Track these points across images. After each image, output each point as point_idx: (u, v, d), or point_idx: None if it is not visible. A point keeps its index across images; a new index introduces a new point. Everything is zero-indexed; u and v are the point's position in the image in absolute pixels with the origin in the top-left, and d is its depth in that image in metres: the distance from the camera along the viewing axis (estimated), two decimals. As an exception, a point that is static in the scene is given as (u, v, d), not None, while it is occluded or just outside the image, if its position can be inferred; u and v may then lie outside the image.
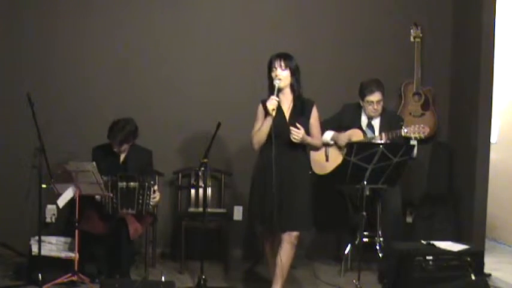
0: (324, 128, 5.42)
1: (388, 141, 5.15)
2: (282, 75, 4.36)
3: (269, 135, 4.35)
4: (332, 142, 5.37)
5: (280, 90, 4.37)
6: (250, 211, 4.56)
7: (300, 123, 4.36)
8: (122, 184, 4.83)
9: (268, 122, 4.33)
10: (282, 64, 4.36)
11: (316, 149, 4.93)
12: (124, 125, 4.95)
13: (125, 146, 5.01)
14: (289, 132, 4.34)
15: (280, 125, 4.36)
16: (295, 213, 4.38)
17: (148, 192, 4.88)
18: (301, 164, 4.53)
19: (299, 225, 4.44)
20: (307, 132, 4.43)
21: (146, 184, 4.88)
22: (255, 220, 4.53)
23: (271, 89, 4.40)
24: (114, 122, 4.98)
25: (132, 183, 4.84)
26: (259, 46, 5.64)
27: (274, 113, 4.31)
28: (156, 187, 4.99)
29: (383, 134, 5.23)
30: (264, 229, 4.53)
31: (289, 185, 4.37)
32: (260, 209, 4.41)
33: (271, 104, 4.31)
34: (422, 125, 5.11)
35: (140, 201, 4.87)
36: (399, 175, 4.71)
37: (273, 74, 4.38)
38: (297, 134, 4.34)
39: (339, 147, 5.33)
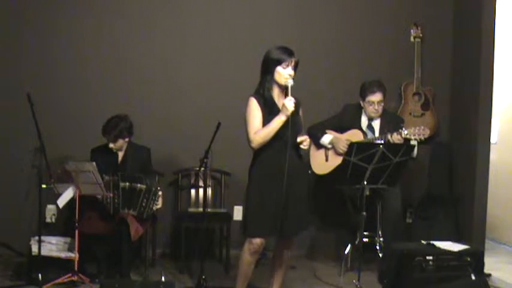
0: (324, 128, 5.45)
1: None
2: (293, 74, 4.15)
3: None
4: (330, 146, 5.36)
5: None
6: (253, 216, 4.21)
7: (297, 122, 4.24)
8: (124, 184, 4.84)
9: (280, 122, 4.09)
10: (294, 62, 4.16)
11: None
12: (118, 121, 4.98)
13: (120, 142, 5.02)
14: (291, 131, 4.11)
15: (282, 125, 4.13)
16: (298, 218, 4.25)
17: (153, 197, 4.90)
18: (302, 164, 4.43)
19: (300, 229, 4.39)
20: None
21: (153, 189, 4.90)
22: (259, 225, 4.20)
23: (268, 84, 4.18)
24: (108, 118, 5.00)
25: (139, 185, 4.85)
26: (259, 46, 5.59)
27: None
28: (160, 193, 4.99)
29: (388, 136, 5.18)
30: (268, 234, 4.26)
31: (293, 189, 4.17)
32: (265, 214, 4.17)
33: (291, 105, 4.06)
34: (422, 127, 5.09)
35: (144, 204, 4.88)
36: (399, 175, 4.71)
37: (286, 72, 4.13)
38: (308, 142, 4.20)
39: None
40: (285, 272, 4.51)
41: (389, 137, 5.13)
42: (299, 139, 4.19)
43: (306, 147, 4.24)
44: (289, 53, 4.17)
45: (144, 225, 5.00)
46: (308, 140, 4.23)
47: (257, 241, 4.20)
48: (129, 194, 4.87)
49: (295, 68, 4.18)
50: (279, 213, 4.15)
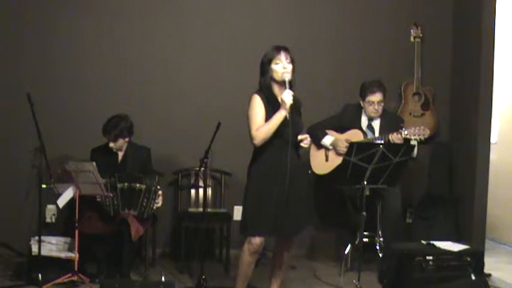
0: (324, 128, 5.45)
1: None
2: (290, 69, 4.16)
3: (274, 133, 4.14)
4: (331, 147, 5.36)
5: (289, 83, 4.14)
6: (252, 215, 4.21)
7: (298, 122, 4.25)
8: (124, 185, 4.83)
9: (280, 117, 4.09)
10: (288, 57, 4.18)
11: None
12: (118, 121, 4.98)
13: (120, 141, 5.02)
14: (292, 129, 4.11)
15: (282, 123, 4.13)
16: (298, 218, 4.25)
17: (153, 196, 4.90)
18: (301, 164, 4.44)
19: (300, 229, 4.37)
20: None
21: (153, 188, 4.89)
22: (258, 224, 4.19)
23: (267, 83, 4.19)
24: (109, 118, 5.01)
25: (138, 185, 4.85)
26: (259, 46, 5.60)
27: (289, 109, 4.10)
28: (160, 192, 4.99)
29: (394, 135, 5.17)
30: (268, 234, 4.25)
31: (293, 188, 4.17)
32: (265, 214, 4.16)
33: (289, 98, 4.07)
34: (422, 127, 5.09)
35: (144, 204, 4.88)
36: (399, 175, 4.71)
37: (280, 67, 4.15)
38: (308, 141, 4.21)
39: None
40: (285, 272, 4.51)
41: (389, 137, 5.12)
42: (300, 137, 4.20)
43: (306, 146, 4.24)
44: (278, 48, 4.21)
45: (145, 225, 5.00)
46: (309, 138, 4.24)
47: (256, 240, 4.20)
48: (128, 194, 4.87)
49: (292, 63, 4.19)
50: (279, 213, 4.15)
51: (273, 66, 4.18)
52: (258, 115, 4.17)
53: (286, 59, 4.18)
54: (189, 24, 5.86)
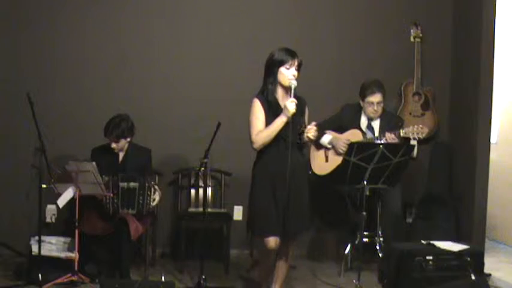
0: (323, 128, 5.44)
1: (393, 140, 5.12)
2: (296, 75, 4.16)
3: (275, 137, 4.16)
4: (330, 146, 5.36)
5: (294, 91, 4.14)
6: (261, 216, 4.23)
7: (300, 123, 4.25)
8: (123, 184, 4.83)
9: (281, 123, 4.10)
10: (297, 63, 4.17)
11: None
12: (120, 121, 4.97)
13: (122, 142, 5.01)
14: (293, 132, 4.14)
15: (284, 126, 4.14)
16: (299, 217, 4.26)
17: (148, 193, 4.89)
18: (303, 165, 4.44)
19: (303, 229, 4.39)
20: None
21: (147, 184, 4.89)
22: (268, 224, 4.20)
23: (271, 85, 4.18)
24: (110, 118, 5.00)
25: (132, 184, 4.84)
26: (259, 46, 5.63)
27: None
28: (156, 187, 4.99)
29: (387, 134, 5.17)
30: (277, 233, 4.22)
31: (295, 188, 4.20)
32: (272, 214, 4.19)
33: (292, 107, 4.06)
34: (420, 126, 5.09)
35: (141, 201, 4.87)
36: (399, 175, 4.71)
37: (289, 73, 4.14)
38: (315, 132, 4.19)
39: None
40: (286, 271, 4.52)
41: (386, 135, 5.11)
42: (307, 129, 4.18)
43: (312, 136, 4.20)
44: (292, 53, 4.19)
45: (144, 224, 5.00)
46: (314, 128, 4.19)
47: (270, 240, 4.21)
48: (126, 194, 4.87)
49: (298, 69, 4.20)
50: (282, 213, 4.17)
51: (283, 69, 4.16)
52: (258, 120, 4.18)
53: (296, 66, 4.17)
54: (189, 24, 5.86)
